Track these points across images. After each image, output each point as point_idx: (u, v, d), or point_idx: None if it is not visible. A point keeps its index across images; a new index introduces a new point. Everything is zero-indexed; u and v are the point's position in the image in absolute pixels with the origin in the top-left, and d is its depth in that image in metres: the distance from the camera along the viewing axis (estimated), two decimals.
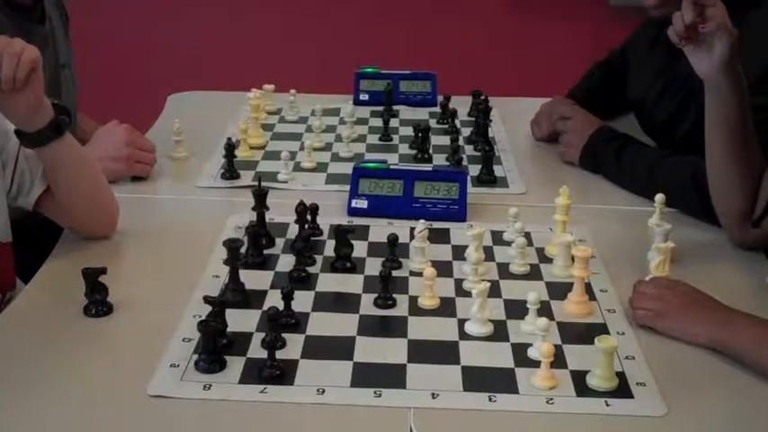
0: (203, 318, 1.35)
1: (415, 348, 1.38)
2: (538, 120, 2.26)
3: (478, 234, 1.56)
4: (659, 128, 2.10)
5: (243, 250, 1.58)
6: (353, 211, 1.81)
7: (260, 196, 1.69)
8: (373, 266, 1.60)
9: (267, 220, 1.71)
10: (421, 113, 2.41)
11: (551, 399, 1.27)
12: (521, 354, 1.37)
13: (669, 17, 1.60)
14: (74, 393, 1.28)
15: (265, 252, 1.65)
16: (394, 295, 1.50)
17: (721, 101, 1.61)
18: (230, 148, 1.97)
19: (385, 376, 1.31)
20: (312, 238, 1.67)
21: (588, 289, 1.53)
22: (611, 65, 2.36)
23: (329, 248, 1.66)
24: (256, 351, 1.35)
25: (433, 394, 1.27)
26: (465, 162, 2.07)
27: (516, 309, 1.47)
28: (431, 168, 1.89)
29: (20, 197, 1.61)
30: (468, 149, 2.17)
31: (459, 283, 1.57)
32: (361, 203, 1.82)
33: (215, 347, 1.32)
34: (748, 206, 1.65)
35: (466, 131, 2.27)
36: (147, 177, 1.97)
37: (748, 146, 1.63)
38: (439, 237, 1.72)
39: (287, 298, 1.42)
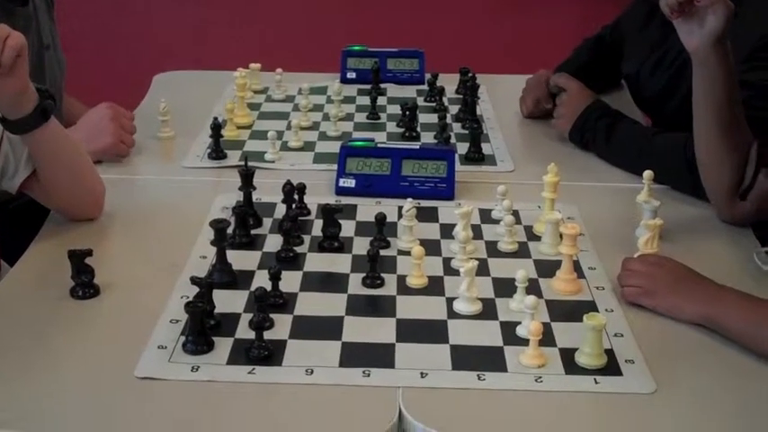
0: (191, 299, 1.34)
1: (404, 327, 1.38)
2: (524, 96, 2.25)
3: (466, 212, 1.55)
4: (651, 101, 2.10)
5: (230, 230, 1.57)
6: (341, 191, 1.81)
7: (247, 176, 1.67)
8: (361, 246, 1.59)
9: (254, 199, 1.70)
10: (408, 91, 2.40)
11: (540, 377, 1.27)
12: (509, 332, 1.37)
13: None
14: (61, 376, 1.27)
15: (253, 232, 1.64)
16: (382, 274, 1.50)
17: (709, 76, 1.60)
18: (216, 127, 1.96)
19: (373, 356, 1.31)
20: (300, 218, 1.66)
21: (577, 267, 1.52)
22: (603, 40, 2.35)
23: (317, 228, 1.65)
24: (244, 332, 1.35)
25: (421, 373, 1.27)
26: (453, 140, 2.06)
27: (505, 287, 1.47)
28: (418, 146, 1.88)
29: (3, 180, 1.60)
30: (456, 127, 2.16)
31: (447, 261, 1.56)
32: (349, 182, 1.81)
33: (202, 329, 1.31)
34: (736, 181, 1.64)
35: (454, 109, 2.26)
36: (125, 156, 1.94)
37: (735, 121, 1.63)
38: (427, 215, 1.71)
39: (274, 278, 1.41)
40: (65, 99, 2.23)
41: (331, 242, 1.60)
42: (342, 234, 1.61)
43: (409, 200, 1.63)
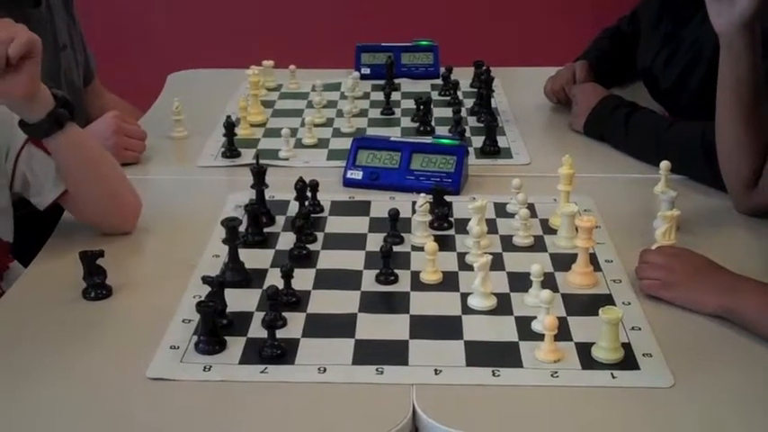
0: (203, 298, 1.34)
1: (418, 324, 1.36)
2: (550, 85, 2.23)
3: (480, 207, 1.54)
4: (666, 94, 2.08)
5: (243, 229, 1.56)
6: (348, 182, 1.79)
7: (259, 174, 1.67)
8: (375, 242, 1.58)
9: (267, 197, 1.69)
10: (423, 86, 2.39)
11: (556, 372, 1.25)
12: (525, 327, 1.35)
13: None
14: (73, 377, 1.26)
15: (265, 230, 1.63)
16: (396, 271, 1.48)
17: (734, 60, 1.57)
18: (230, 126, 1.95)
19: (387, 353, 1.29)
20: (313, 215, 1.65)
21: (593, 259, 1.50)
22: (621, 31, 2.33)
23: (330, 225, 1.64)
24: (257, 331, 1.34)
25: (435, 370, 1.26)
26: (468, 134, 2.05)
27: (520, 281, 1.45)
28: (431, 141, 1.86)
29: (31, 197, 1.60)
30: (471, 121, 2.15)
31: (461, 256, 1.54)
32: (356, 174, 1.80)
33: (214, 328, 1.30)
34: (755, 171, 1.62)
35: (468, 103, 2.24)
36: (138, 162, 1.94)
37: (758, 108, 1.60)
38: None
39: (287, 276, 1.40)
40: (105, 96, 2.25)
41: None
42: (355, 231, 1.60)
43: (422, 195, 1.61)
